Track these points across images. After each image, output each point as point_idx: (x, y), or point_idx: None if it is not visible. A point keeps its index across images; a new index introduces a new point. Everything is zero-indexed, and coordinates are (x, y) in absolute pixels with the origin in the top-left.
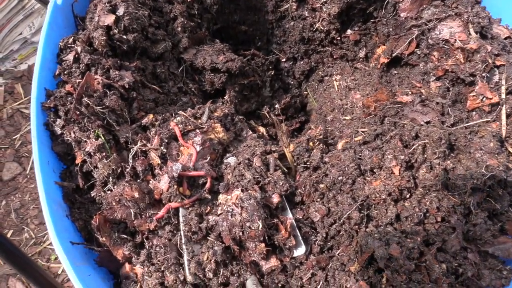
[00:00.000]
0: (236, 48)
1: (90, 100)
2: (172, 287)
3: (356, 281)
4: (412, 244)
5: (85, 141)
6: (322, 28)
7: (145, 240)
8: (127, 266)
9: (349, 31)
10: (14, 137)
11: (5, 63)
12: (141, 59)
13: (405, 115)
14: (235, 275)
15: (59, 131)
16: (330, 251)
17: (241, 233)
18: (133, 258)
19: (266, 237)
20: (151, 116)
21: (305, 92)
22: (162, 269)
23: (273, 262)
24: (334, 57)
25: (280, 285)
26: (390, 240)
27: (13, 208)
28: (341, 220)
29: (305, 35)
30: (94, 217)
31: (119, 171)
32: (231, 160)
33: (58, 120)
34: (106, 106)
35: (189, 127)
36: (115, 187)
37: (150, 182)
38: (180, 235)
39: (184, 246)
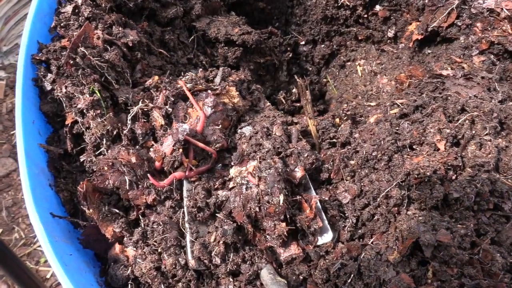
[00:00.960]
0: (252, 28)
1: (87, 50)
2: (170, 273)
3: (396, 274)
4: (464, 230)
5: (78, 97)
6: (348, 4)
7: (140, 217)
8: (117, 247)
9: (377, 7)
10: (11, 132)
11: (9, 57)
12: (149, 24)
13: (446, 89)
14: (248, 262)
15: (48, 87)
16: (361, 239)
17: (257, 209)
18: (125, 238)
19: (288, 216)
20: (156, 77)
21: (325, 80)
22: (159, 251)
23: (294, 249)
24: (359, 38)
25: (301, 277)
26: (436, 225)
27: (4, 205)
28: (377, 202)
29: (328, 13)
30: (81, 183)
31: (114, 133)
32: (246, 130)
33: (49, 75)
34: (105, 60)
35: (200, 86)
36: (109, 151)
37: (152, 148)
38: (183, 212)
39: (187, 225)
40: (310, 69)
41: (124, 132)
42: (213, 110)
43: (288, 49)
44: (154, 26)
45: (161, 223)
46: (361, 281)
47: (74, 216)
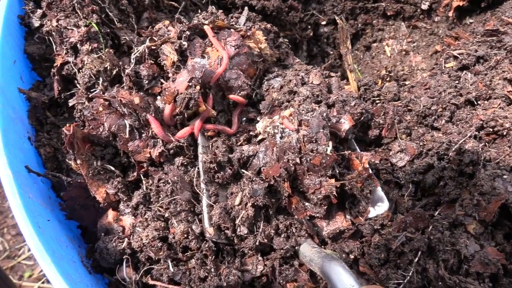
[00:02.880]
0: None
1: None
2: (180, 245)
3: (480, 247)
4: None
5: (71, 30)
6: None
7: (142, 178)
8: (110, 214)
9: None
10: None
11: None
12: None
13: (507, 43)
14: (282, 235)
15: (36, 23)
16: (425, 209)
17: (297, 160)
18: (121, 203)
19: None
20: (166, 22)
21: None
22: (166, 216)
23: (341, 221)
24: (388, 14)
25: (352, 257)
26: None
27: None
28: (443, 161)
29: None
30: (68, 125)
31: (114, 72)
32: (275, 81)
33: (39, 10)
34: None
35: (221, 22)
36: (105, 94)
37: (159, 96)
38: (198, 171)
39: (203, 186)
40: (332, 52)
41: (127, 71)
42: (236, 50)
43: (309, 27)
44: None
45: (169, 181)
46: (432, 259)
47: (55, 177)
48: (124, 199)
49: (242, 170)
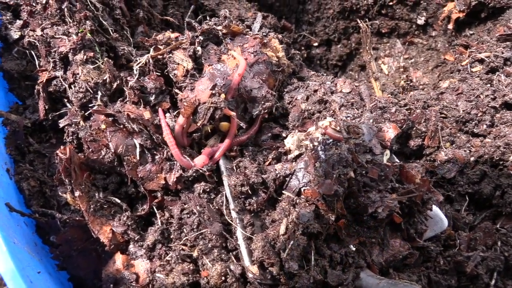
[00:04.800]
0: None
1: None
2: None
3: None
4: None
5: (60, 39)
6: None
7: (156, 211)
8: (118, 259)
9: None
10: None
11: None
12: None
13: None
14: (337, 267)
15: (15, 35)
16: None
17: (351, 174)
18: (132, 244)
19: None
20: (167, 33)
21: None
22: (194, 255)
23: (398, 246)
24: (383, 32)
25: (420, 286)
26: None
27: None
28: (496, 170)
29: (347, 4)
30: (62, 147)
31: (114, 86)
32: (297, 92)
33: (18, 21)
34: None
35: (236, 27)
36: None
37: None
38: (225, 198)
39: (234, 214)
40: (325, 74)
41: (130, 83)
42: (256, 57)
43: (302, 48)
44: None
45: (195, 212)
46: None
47: (45, 217)
48: (136, 239)
49: (284, 191)
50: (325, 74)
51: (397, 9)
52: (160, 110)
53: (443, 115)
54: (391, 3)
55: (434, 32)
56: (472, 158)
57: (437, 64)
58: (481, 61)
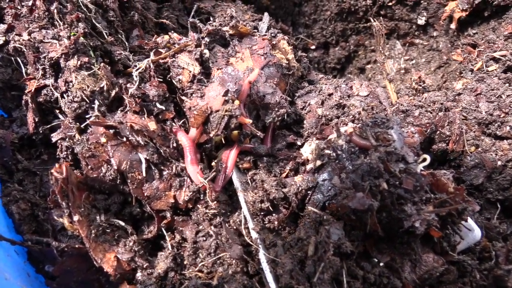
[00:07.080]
0: None
1: None
2: None
3: None
4: None
5: (50, 43)
6: None
7: (165, 233)
8: None
9: None
10: None
11: None
12: None
13: None
14: (372, 287)
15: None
16: None
17: (384, 186)
18: (140, 272)
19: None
20: (166, 36)
21: None
22: (214, 284)
23: (432, 261)
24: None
25: None
26: None
27: None
28: None
29: (345, 6)
30: (57, 165)
31: (113, 94)
32: (309, 97)
33: (1, 25)
34: (93, 0)
35: (244, 28)
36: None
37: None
38: (243, 216)
39: (255, 235)
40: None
41: (131, 91)
42: (267, 60)
43: (299, 52)
44: (149, 2)
45: (212, 233)
46: None
47: (39, 244)
48: (144, 266)
49: (308, 206)
50: (335, 78)
51: (396, 9)
52: (180, 131)
53: (463, 117)
54: (390, 4)
55: (435, 32)
56: (499, 163)
57: (440, 64)
58: (495, 60)
